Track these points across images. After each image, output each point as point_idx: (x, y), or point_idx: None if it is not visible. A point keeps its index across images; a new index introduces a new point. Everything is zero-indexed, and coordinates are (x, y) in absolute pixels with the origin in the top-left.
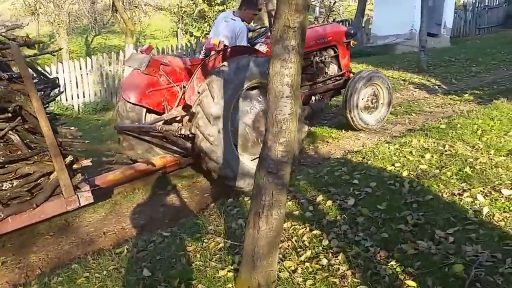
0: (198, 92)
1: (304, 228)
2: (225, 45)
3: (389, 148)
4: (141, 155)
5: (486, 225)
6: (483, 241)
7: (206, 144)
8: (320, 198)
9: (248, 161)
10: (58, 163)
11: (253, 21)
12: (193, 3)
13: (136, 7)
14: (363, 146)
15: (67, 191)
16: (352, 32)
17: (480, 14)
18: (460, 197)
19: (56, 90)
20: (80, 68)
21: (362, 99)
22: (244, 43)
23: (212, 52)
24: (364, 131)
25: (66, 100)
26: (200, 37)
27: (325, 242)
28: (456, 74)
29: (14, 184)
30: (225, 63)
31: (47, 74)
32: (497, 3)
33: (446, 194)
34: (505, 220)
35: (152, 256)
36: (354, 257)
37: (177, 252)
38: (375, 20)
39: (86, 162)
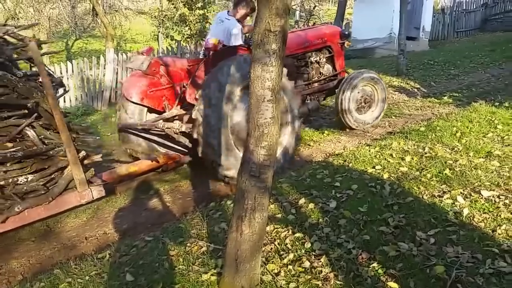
0: (197, 91)
1: (287, 231)
2: (224, 45)
3: (369, 150)
4: (142, 152)
5: (466, 226)
6: (463, 242)
7: (205, 134)
8: (302, 201)
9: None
10: (72, 158)
11: (248, 20)
12: (174, 7)
13: (117, 11)
14: (344, 149)
15: (80, 185)
16: (346, 33)
17: (458, 18)
18: (440, 198)
19: (61, 90)
20: (61, 73)
21: (354, 99)
22: (239, 42)
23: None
24: (345, 134)
25: None
26: (181, 40)
27: (308, 245)
28: (435, 77)
29: (30, 179)
30: (229, 59)
31: (52, 74)
32: (474, 7)
33: (426, 196)
34: (485, 221)
35: (135, 261)
36: (336, 259)
37: (160, 257)
38: (355, 24)
39: (97, 158)
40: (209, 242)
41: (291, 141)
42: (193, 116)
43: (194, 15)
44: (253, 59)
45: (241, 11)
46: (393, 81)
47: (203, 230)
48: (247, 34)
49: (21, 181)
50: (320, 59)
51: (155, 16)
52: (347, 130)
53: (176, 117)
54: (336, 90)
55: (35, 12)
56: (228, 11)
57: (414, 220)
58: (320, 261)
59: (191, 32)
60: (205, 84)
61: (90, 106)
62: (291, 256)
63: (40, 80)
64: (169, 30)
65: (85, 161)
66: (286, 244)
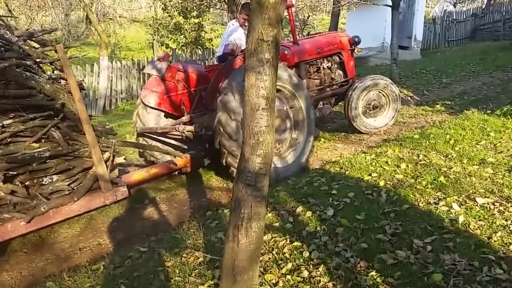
0: (218, 92)
1: (285, 240)
2: (242, 50)
3: (365, 158)
4: (160, 156)
5: (462, 234)
6: (460, 249)
7: (225, 138)
8: (300, 209)
9: None
10: (97, 159)
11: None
12: (169, 16)
13: (111, 19)
14: (340, 157)
15: (105, 185)
16: (356, 40)
17: (449, 28)
18: (436, 206)
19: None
20: None
21: (363, 104)
22: (243, 45)
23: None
24: (341, 141)
25: None
26: (176, 48)
27: (306, 254)
28: (428, 85)
29: (55, 179)
30: (241, 67)
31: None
32: (464, 17)
33: (422, 203)
34: (481, 228)
35: (130, 273)
36: (335, 268)
37: (155, 268)
38: (348, 33)
39: (121, 159)
40: (205, 253)
41: (308, 145)
42: (212, 124)
43: (189, 24)
44: (247, 68)
45: (241, 17)
46: None
47: (200, 240)
48: None
49: (46, 182)
50: (331, 65)
51: (149, 25)
52: (343, 138)
53: (194, 121)
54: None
55: (27, 20)
56: (235, 18)
57: (411, 227)
58: (319, 271)
59: (186, 40)
60: (223, 89)
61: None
62: (289, 265)
63: (65, 82)
64: (164, 38)
65: (109, 163)
66: (284, 253)
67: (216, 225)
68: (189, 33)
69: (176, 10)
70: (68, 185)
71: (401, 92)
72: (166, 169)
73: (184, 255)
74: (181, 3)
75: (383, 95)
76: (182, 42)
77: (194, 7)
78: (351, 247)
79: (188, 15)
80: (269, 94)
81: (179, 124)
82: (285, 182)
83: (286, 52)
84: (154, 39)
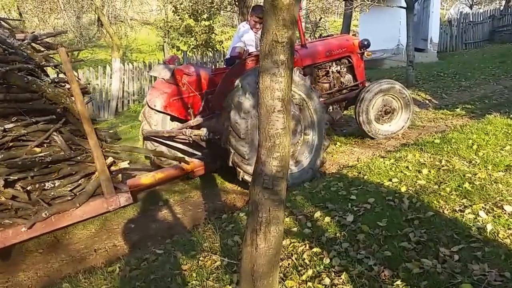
0: (226, 94)
1: (304, 246)
2: (250, 53)
3: (384, 163)
4: (166, 160)
5: (491, 243)
6: (489, 259)
7: (234, 138)
8: (318, 214)
9: None
10: (100, 164)
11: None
12: (180, 18)
13: (122, 21)
14: (358, 161)
15: (108, 191)
16: (365, 43)
17: (466, 30)
18: (462, 213)
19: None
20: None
21: (374, 110)
22: (253, 48)
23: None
24: (358, 145)
25: None
26: (187, 51)
27: (327, 261)
28: (446, 88)
29: (57, 184)
30: (254, 68)
31: (79, 80)
32: (481, 19)
33: (447, 210)
34: (511, 237)
35: (146, 275)
36: (358, 276)
37: (172, 271)
38: (361, 35)
39: (124, 164)
40: (222, 256)
41: (319, 152)
42: (221, 127)
43: (199, 26)
44: (262, 70)
45: (251, 19)
46: None
47: (216, 243)
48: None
49: (48, 187)
50: (340, 69)
51: (160, 27)
52: (360, 141)
53: (202, 125)
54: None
55: (40, 22)
56: (247, 21)
57: (436, 235)
58: (341, 278)
59: (197, 43)
60: (232, 92)
61: (96, 115)
62: (310, 272)
63: (68, 86)
64: (175, 40)
65: (112, 168)
66: (304, 259)
67: (232, 228)
68: (200, 35)
69: (187, 13)
70: (71, 190)
71: (418, 95)
72: (173, 174)
73: (201, 258)
74: (192, 5)
75: (394, 99)
76: (192, 44)
77: (205, 10)
78: (374, 255)
79: (199, 18)
80: (284, 96)
81: (186, 128)
82: (301, 187)
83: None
84: (165, 42)
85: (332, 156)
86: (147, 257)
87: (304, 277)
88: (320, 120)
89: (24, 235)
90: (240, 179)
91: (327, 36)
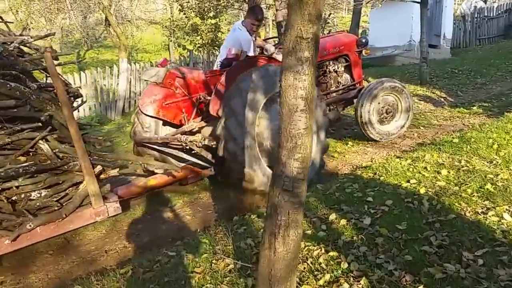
0: (223, 98)
1: (319, 249)
2: (247, 55)
3: (401, 163)
4: (159, 167)
5: None
6: None
7: (231, 146)
8: (333, 216)
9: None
10: (87, 173)
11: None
12: (186, 17)
13: (129, 21)
14: (372, 161)
15: (96, 201)
16: (363, 40)
17: (480, 25)
18: (485, 216)
19: (79, 100)
20: (74, 83)
21: (375, 111)
22: (250, 52)
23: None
24: (371, 145)
25: None
26: (193, 50)
27: (345, 265)
28: (461, 86)
29: (43, 194)
30: (252, 70)
31: (69, 84)
32: (497, 14)
33: (469, 213)
34: None
35: (159, 278)
36: (378, 281)
37: (185, 274)
38: (372, 32)
39: (114, 172)
40: (236, 259)
41: (318, 153)
42: (217, 132)
43: (206, 25)
44: (285, 68)
45: (249, 21)
46: (418, 90)
47: (229, 246)
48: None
49: (33, 197)
50: (337, 68)
51: (165, 26)
52: (373, 141)
53: (196, 130)
54: (355, 101)
55: (47, 22)
56: (242, 21)
57: (459, 239)
58: (360, 284)
59: (203, 42)
60: (228, 96)
61: (104, 115)
62: (327, 277)
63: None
64: (180, 39)
65: (101, 176)
66: (320, 263)
67: (244, 231)
68: (206, 34)
69: (193, 11)
70: (57, 200)
71: (433, 93)
72: (165, 181)
73: (214, 261)
74: (198, 4)
75: (394, 98)
76: (198, 43)
77: (211, 8)
78: (394, 259)
79: (205, 16)
80: (308, 94)
81: (181, 134)
82: (314, 188)
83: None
84: (171, 40)
85: (344, 156)
86: (159, 259)
87: (321, 282)
88: (321, 122)
89: (8, 247)
90: (226, 168)
91: (328, 34)
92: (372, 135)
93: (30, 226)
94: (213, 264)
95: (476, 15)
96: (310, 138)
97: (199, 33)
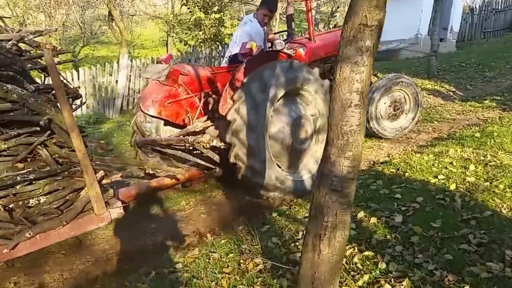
0: (233, 100)
1: (352, 249)
2: (262, 50)
3: (423, 158)
4: (161, 169)
5: None
6: None
7: (243, 152)
8: (361, 214)
9: (281, 170)
10: (89, 178)
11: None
12: (189, 11)
13: (133, 16)
14: (389, 157)
15: (98, 207)
16: None
17: (487, 17)
18: None
19: (78, 101)
20: (72, 80)
21: (383, 108)
22: (262, 46)
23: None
24: (386, 140)
25: None
26: (195, 45)
27: (382, 265)
28: (470, 79)
29: (42, 201)
30: (262, 67)
31: (68, 84)
32: (504, 6)
33: (505, 209)
34: None
35: (188, 279)
36: (421, 282)
37: (214, 275)
38: None
39: (116, 177)
40: (264, 259)
41: None
42: (227, 140)
43: (209, 19)
44: (341, 59)
45: (260, 13)
46: (426, 84)
47: (256, 245)
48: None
49: (32, 204)
50: None
51: (166, 22)
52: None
53: (200, 130)
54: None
55: (46, 18)
56: (254, 14)
57: (498, 236)
58: (402, 285)
59: (205, 36)
60: (241, 94)
61: (102, 114)
62: (365, 278)
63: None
64: (182, 35)
65: (104, 181)
66: (356, 263)
67: (268, 230)
68: (209, 28)
69: (197, 6)
70: (57, 207)
71: (442, 87)
72: (168, 184)
73: (242, 261)
74: None
75: (402, 94)
76: (200, 38)
77: (216, 2)
78: (433, 258)
79: (209, 11)
80: (363, 88)
81: (187, 135)
82: None
83: (301, 50)
84: (170, 35)
85: None
86: (183, 259)
87: (360, 283)
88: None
89: (7, 256)
90: (239, 177)
91: (337, 27)
92: (380, 133)
93: (29, 234)
94: (241, 264)
95: (483, 8)
96: (362, 135)
97: (202, 28)
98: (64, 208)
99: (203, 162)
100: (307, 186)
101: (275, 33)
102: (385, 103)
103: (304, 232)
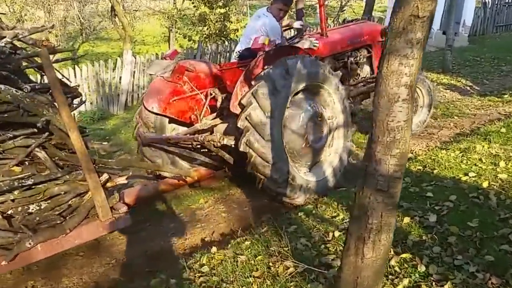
0: (242, 104)
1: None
2: (275, 45)
3: (449, 155)
4: (168, 168)
5: None
6: None
7: (256, 138)
8: None
9: (301, 173)
10: (92, 182)
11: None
12: (194, 6)
13: (136, 11)
14: (413, 153)
15: (103, 213)
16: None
17: (499, 11)
18: None
19: (78, 100)
20: (75, 76)
21: None
22: (278, 41)
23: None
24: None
25: None
26: (201, 41)
27: (421, 268)
28: (486, 74)
29: (43, 207)
30: (271, 66)
31: (67, 83)
32: None
33: None
34: None
35: (217, 283)
36: (464, 285)
37: (244, 279)
38: (388, 20)
39: (122, 180)
40: (295, 261)
41: (344, 155)
42: (242, 146)
43: (214, 14)
44: (389, 51)
45: (275, 7)
46: (441, 79)
47: (284, 247)
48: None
49: (32, 210)
50: (359, 60)
51: (168, 17)
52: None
53: (208, 128)
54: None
55: (46, 14)
56: (267, 8)
57: None
58: None
59: (210, 32)
60: (256, 91)
61: (106, 110)
62: (405, 282)
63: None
64: (186, 30)
65: (108, 184)
66: (393, 266)
67: (296, 230)
68: (214, 24)
69: (202, 0)
70: (59, 214)
71: (458, 81)
72: (176, 185)
73: (271, 263)
74: None
75: (418, 92)
76: (205, 33)
77: None
78: (473, 260)
79: (214, 5)
80: (412, 82)
81: (196, 133)
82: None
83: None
84: (176, 31)
85: None
86: (207, 261)
87: (400, 287)
88: (346, 120)
89: (5, 268)
90: (259, 187)
91: (350, 21)
92: None
93: (29, 244)
94: (271, 267)
95: (496, 2)
96: (409, 132)
97: (207, 23)
98: (67, 214)
99: (211, 161)
100: (319, 189)
101: (284, 29)
102: None
103: (346, 234)
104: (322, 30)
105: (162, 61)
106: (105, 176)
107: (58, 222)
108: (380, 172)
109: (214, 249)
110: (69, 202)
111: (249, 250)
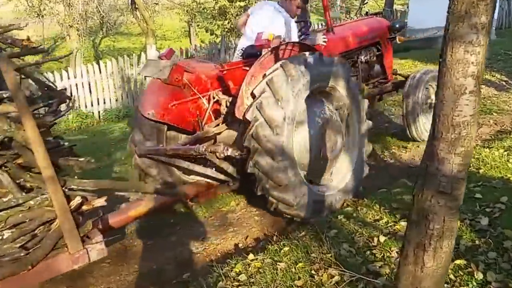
0: (253, 95)
1: None
2: (281, 41)
3: (493, 153)
4: (165, 182)
5: None
6: None
7: (266, 161)
8: None
9: (319, 188)
10: (60, 208)
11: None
12: None
13: (156, 4)
14: None
15: (72, 244)
16: (397, 26)
17: None
18: None
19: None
20: (100, 72)
21: (423, 107)
22: (294, 39)
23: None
24: None
25: (86, 106)
26: (224, 36)
27: (479, 276)
28: None
29: (5, 237)
30: (287, 60)
31: (52, 86)
32: None
33: None
34: None
35: None
36: None
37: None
38: (412, 12)
39: (100, 202)
40: (340, 269)
41: (362, 163)
42: (249, 169)
43: (234, 8)
44: (451, 38)
45: (293, 3)
46: None
47: (326, 253)
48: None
49: None
50: (369, 59)
51: (187, 11)
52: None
53: (213, 137)
54: (403, 95)
55: (66, 7)
56: (278, 2)
57: None
58: None
59: (231, 26)
60: (260, 104)
61: (131, 107)
62: None
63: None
64: (208, 24)
65: (84, 207)
66: (448, 274)
67: (336, 234)
68: (234, 17)
69: None
70: (22, 246)
71: (493, 76)
72: (170, 202)
73: (313, 271)
74: None
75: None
76: (227, 28)
77: None
78: None
79: None
80: (479, 71)
81: (197, 142)
82: (402, 182)
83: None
84: (197, 25)
85: (418, 147)
86: (244, 267)
87: None
88: (360, 124)
89: None
90: (272, 209)
91: (371, 15)
92: (418, 135)
93: None
94: (314, 276)
95: None
96: (475, 128)
97: (227, 17)
98: (31, 246)
99: (213, 174)
100: (331, 202)
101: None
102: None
103: (403, 241)
104: (328, 25)
105: (157, 61)
106: (76, 200)
107: (21, 255)
108: (443, 172)
109: (250, 255)
110: (35, 231)
111: (288, 256)
